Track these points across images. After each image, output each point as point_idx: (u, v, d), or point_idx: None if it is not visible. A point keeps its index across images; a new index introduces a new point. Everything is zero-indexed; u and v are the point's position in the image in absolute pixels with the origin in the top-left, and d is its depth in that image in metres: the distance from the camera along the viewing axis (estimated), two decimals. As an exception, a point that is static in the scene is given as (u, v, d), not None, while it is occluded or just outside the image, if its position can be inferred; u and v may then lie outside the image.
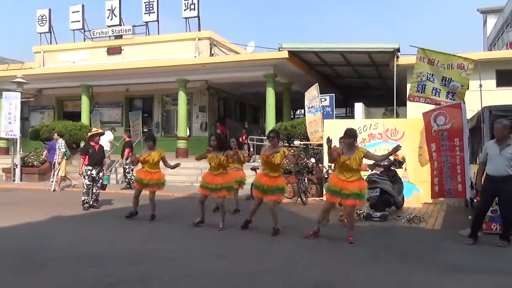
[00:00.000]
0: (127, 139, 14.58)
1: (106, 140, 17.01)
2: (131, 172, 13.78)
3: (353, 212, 6.86)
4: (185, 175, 15.10)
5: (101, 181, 10.51)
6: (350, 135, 6.68)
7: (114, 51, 21.17)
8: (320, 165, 12.10)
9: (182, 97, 18.63)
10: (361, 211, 8.75)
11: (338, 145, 7.18)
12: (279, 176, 7.30)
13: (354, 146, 6.69)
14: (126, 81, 19.87)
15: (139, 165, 8.93)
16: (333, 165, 7.74)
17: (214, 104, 21.83)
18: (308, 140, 13.46)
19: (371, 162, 8.38)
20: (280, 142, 7.70)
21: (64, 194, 12.96)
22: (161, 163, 8.64)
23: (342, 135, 6.90)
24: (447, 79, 9.68)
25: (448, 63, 9.62)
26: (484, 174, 6.74)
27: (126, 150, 14.03)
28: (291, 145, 14.72)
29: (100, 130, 11.23)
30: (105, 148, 16.92)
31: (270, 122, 17.05)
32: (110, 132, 17.40)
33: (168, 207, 10.27)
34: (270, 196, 7.20)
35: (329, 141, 6.60)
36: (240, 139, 18.89)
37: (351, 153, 6.61)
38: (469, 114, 8.98)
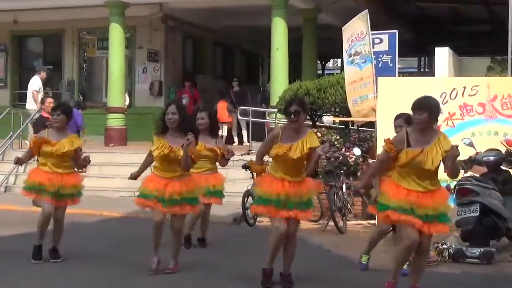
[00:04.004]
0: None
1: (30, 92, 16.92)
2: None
3: (429, 247, 6.91)
4: (123, 178, 15.06)
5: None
6: (423, 107, 6.59)
7: None
8: (370, 160, 12.13)
9: (116, 35, 18.64)
10: (445, 246, 8.80)
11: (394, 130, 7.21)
12: (305, 180, 7.32)
13: (430, 128, 6.69)
14: (13, 4, 19.80)
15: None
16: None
17: (176, 48, 21.80)
18: (349, 114, 13.49)
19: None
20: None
21: None
22: None
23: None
24: None
25: None
26: None
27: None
28: (317, 123, 14.73)
29: None
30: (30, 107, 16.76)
31: (279, 83, 17.10)
32: (38, 77, 17.20)
33: (90, 235, 10.26)
34: (291, 212, 7.15)
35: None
36: (219, 114, 18.72)
37: (425, 142, 6.57)
38: None
